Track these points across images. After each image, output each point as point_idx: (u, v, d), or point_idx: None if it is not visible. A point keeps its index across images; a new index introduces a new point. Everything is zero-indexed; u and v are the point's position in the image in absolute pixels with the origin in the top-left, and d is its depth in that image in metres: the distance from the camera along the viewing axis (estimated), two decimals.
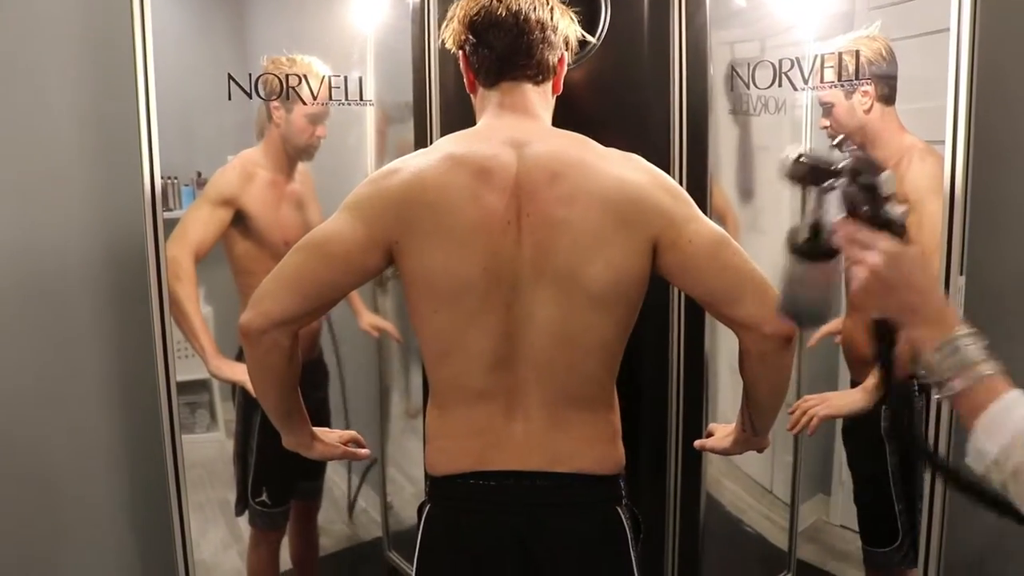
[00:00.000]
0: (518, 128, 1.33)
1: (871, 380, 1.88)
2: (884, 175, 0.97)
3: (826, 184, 1.00)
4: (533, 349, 1.29)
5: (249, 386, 1.98)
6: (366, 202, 1.30)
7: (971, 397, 0.92)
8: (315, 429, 1.51)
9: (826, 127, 1.94)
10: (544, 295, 1.27)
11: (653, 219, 1.28)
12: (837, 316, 1.01)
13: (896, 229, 0.96)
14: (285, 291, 1.29)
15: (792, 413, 1.98)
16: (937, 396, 0.96)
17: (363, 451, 1.57)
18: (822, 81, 1.87)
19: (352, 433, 1.58)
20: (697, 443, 1.65)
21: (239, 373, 2.05)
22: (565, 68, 1.44)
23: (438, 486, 1.38)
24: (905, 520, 1.94)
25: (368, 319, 2.36)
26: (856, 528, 2.15)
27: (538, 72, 1.37)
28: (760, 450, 1.59)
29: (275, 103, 2.03)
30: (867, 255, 0.96)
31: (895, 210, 0.97)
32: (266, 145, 2.10)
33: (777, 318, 1.18)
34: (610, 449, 1.38)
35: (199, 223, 2.02)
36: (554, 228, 1.26)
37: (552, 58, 1.38)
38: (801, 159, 1.03)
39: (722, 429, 1.60)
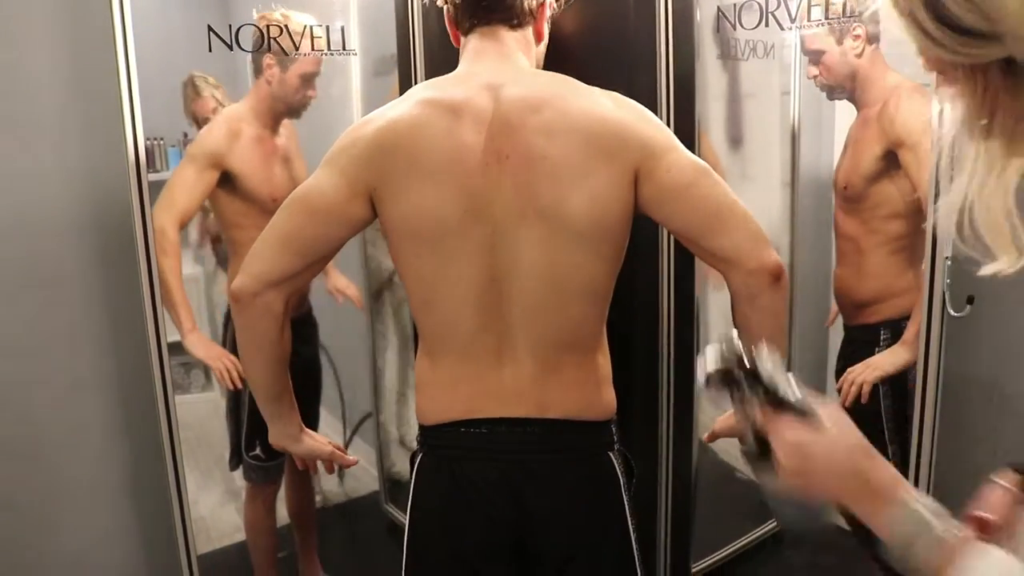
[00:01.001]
0: (495, 72, 1.32)
1: (911, 331, 1.86)
2: (765, 364, 0.91)
3: (737, 384, 0.93)
4: (520, 293, 1.29)
5: (217, 367, 2.04)
6: (343, 154, 1.31)
7: (932, 567, 0.80)
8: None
9: (815, 76, 1.93)
10: (528, 236, 1.26)
11: (633, 149, 1.26)
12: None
13: (797, 411, 0.88)
14: (275, 250, 1.29)
15: (839, 390, 1.99)
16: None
17: (351, 458, 1.56)
18: (809, 19, 1.85)
19: (337, 443, 1.56)
20: (706, 435, 1.61)
21: (212, 356, 2.07)
22: (548, 12, 1.42)
23: (429, 435, 1.38)
24: (898, 462, 1.96)
25: (334, 282, 2.35)
26: None
27: (512, 16, 1.35)
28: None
29: (269, 60, 2.01)
30: (776, 450, 0.88)
31: (790, 392, 0.89)
32: (253, 100, 2.07)
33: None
34: (601, 395, 1.38)
35: (185, 188, 2.00)
36: (534, 165, 1.25)
37: (528, 1, 1.36)
38: (714, 370, 0.96)
39: (727, 414, 1.54)
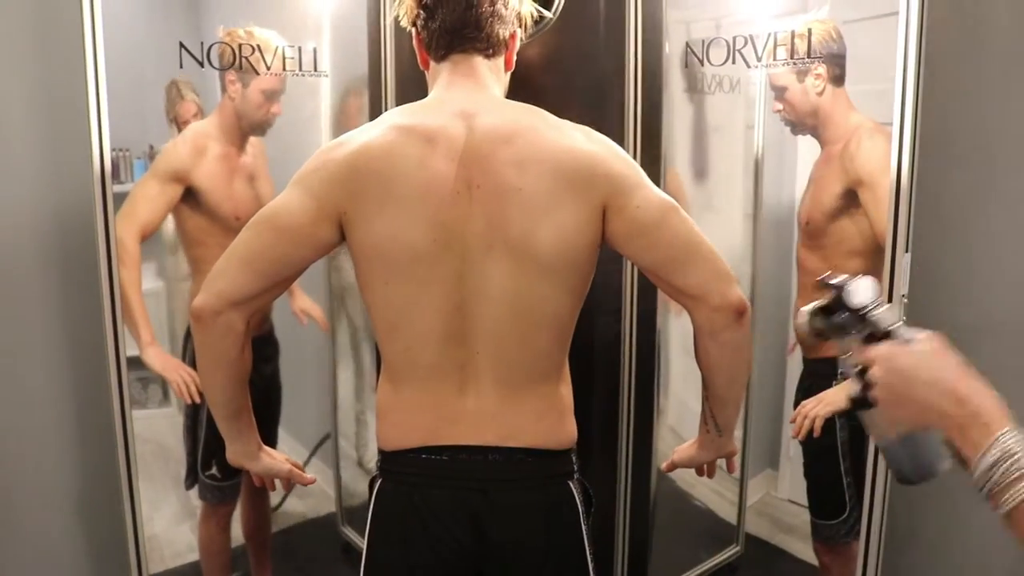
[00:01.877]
0: (468, 100, 1.33)
1: None
2: (850, 287, 0.95)
3: (835, 325, 0.98)
4: (485, 322, 1.30)
5: (174, 380, 2.04)
6: (313, 175, 1.30)
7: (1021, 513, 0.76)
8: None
9: (779, 111, 1.97)
10: (496, 267, 1.27)
11: (602, 185, 1.28)
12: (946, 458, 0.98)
13: (891, 335, 0.91)
14: (238, 269, 1.28)
15: (793, 422, 2.01)
16: (996, 511, 0.80)
17: (309, 476, 1.53)
18: (775, 59, 1.89)
19: (295, 461, 1.54)
20: (664, 465, 1.62)
21: (170, 368, 2.05)
22: (517, 44, 1.43)
23: (389, 461, 1.38)
24: (853, 493, 1.99)
25: (299, 303, 2.34)
26: (803, 502, 2.19)
27: (488, 45, 1.36)
28: (729, 456, 1.55)
29: (231, 76, 2.01)
30: (870, 372, 0.88)
31: (882, 315, 0.93)
32: (219, 117, 2.06)
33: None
34: (562, 424, 1.39)
35: (147, 201, 1.99)
36: (504, 196, 1.26)
37: (503, 32, 1.37)
38: (811, 316, 1.01)
39: (685, 445, 1.58)
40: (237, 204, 2.06)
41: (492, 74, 1.39)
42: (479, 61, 1.37)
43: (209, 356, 1.33)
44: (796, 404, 2.12)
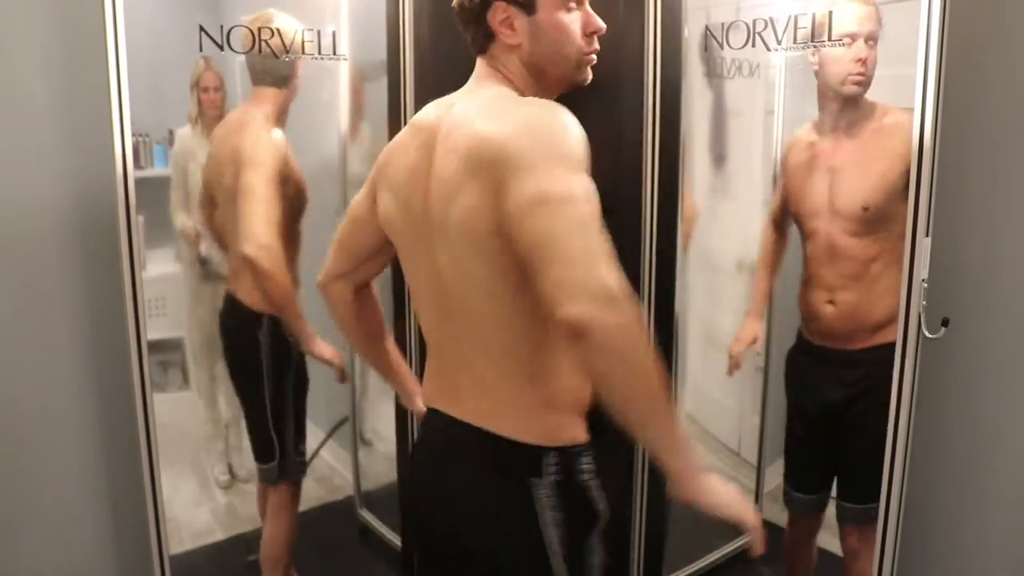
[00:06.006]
0: (461, 92, 1.39)
1: None
2: None
3: None
4: (451, 300, 1.32)
5: (341, 364, 2.20)
6: (373, 170, 1.46)
7: None
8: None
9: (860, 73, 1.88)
10: (439, 250, 1.30)
11: (492, 168, 1.17)
12: None
13: None
14: (334, 252, 1.56)
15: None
16: None
17: None
18: (795, 41, 1.88)
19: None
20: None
21: (336, 355, 2.16)
22: (502, 15, 1.32)
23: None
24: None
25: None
26: None
27: (475, 46, 1.39)
28: (686, 499, 1.23)
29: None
30: None
31: None
32: (272, 106, 2.06)
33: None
34: (535, 416, 1.30)
35: (272, 204, 1.99)
36: (438, 182, 1.28)
37: (478, 32, 1.35)
38: None
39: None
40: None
41: (492, 65, 1.36)
42: (480, 60, 1.39)
43: (335, 319, 1.62)
44: (795, 390, 2.12)
